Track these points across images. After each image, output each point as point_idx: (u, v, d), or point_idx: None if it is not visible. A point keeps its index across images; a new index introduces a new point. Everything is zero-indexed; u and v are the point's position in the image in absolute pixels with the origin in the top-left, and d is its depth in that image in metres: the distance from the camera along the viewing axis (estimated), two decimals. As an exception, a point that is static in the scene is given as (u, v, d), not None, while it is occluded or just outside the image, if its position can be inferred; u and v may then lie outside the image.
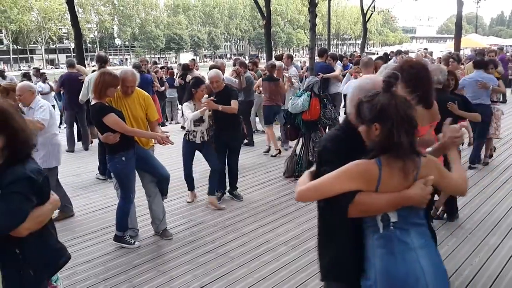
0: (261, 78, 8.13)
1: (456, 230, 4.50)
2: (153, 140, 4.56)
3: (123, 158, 4.11)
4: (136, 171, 4.35)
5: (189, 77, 10.02)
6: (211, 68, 6.32)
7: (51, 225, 2.18)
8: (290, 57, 9.12)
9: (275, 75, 7.79)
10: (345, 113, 2.22)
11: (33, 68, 16.63)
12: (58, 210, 4.76)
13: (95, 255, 4.20)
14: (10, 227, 1.90)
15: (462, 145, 6.79)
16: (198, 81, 5.29)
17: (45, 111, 4.69)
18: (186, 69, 10.91)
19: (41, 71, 13.64)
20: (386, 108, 1.79)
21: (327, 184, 1.85)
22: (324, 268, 2.14)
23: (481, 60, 6.79)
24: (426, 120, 2.96)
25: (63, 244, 2.27)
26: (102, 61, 6.93)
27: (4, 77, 11.13)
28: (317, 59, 9.80)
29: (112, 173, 4.42)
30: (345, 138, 2.02)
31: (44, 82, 12.29)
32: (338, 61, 10.06)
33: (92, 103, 4.10)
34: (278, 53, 18.73)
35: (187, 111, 5.11)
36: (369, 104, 1.84)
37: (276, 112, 7.90)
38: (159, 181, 4.50)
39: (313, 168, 2.11)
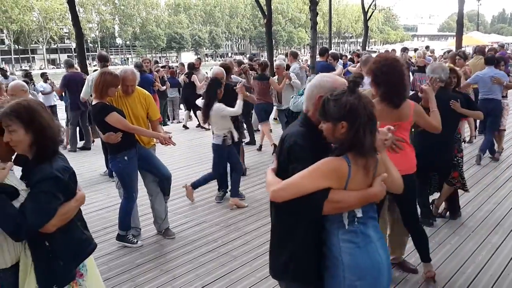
0: (252, 77, 8.20)
1: (458, 228, 4.49)
2: (154, 139, 4.56)
3: (125, 158, 4.12)
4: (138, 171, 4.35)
5: (195, 78, 10.03)
6: (221, 66, 6.37)
7: (77, 217, 2.26)
8: (293, 55, 9.26)
9: (275, 74, 7.82)
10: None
11: (23, 69, 16.58)
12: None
13: (97, 254, 4.17)
14: (40, 225, 1.99)
15: (465, 143, 6.79)
16: (219, 81, 5.28)
17: None
18: (192, 68, 10.91)
19: (43, 71, 13.66)
20: (355, 108, 1.85)
21: (300, 183, 1.86)
22: (278, 268, 2.13)
23: (492, 57, 7.01)
24: (389, 118, 2.88)
25: (89, 233, 2.36)
26: (104, 60, 6.95)
27: (6, 77, 11.15)
28: (318, 58, 9.82)
29: (114, 173, 4.42)
30: (310, 134, 2.03)
31: (45, 82, 12.30)
32: (339, 60, 10.11)
33: (93, 103, 4.11)
34: (280, 51, 18.76)
35: (227, 108, 5.08)
36: (336, 103, 1.88)
37: (266, 110, 7.97)
38: (160, 181, 4.49)
39: (274, 165, 2.10)
